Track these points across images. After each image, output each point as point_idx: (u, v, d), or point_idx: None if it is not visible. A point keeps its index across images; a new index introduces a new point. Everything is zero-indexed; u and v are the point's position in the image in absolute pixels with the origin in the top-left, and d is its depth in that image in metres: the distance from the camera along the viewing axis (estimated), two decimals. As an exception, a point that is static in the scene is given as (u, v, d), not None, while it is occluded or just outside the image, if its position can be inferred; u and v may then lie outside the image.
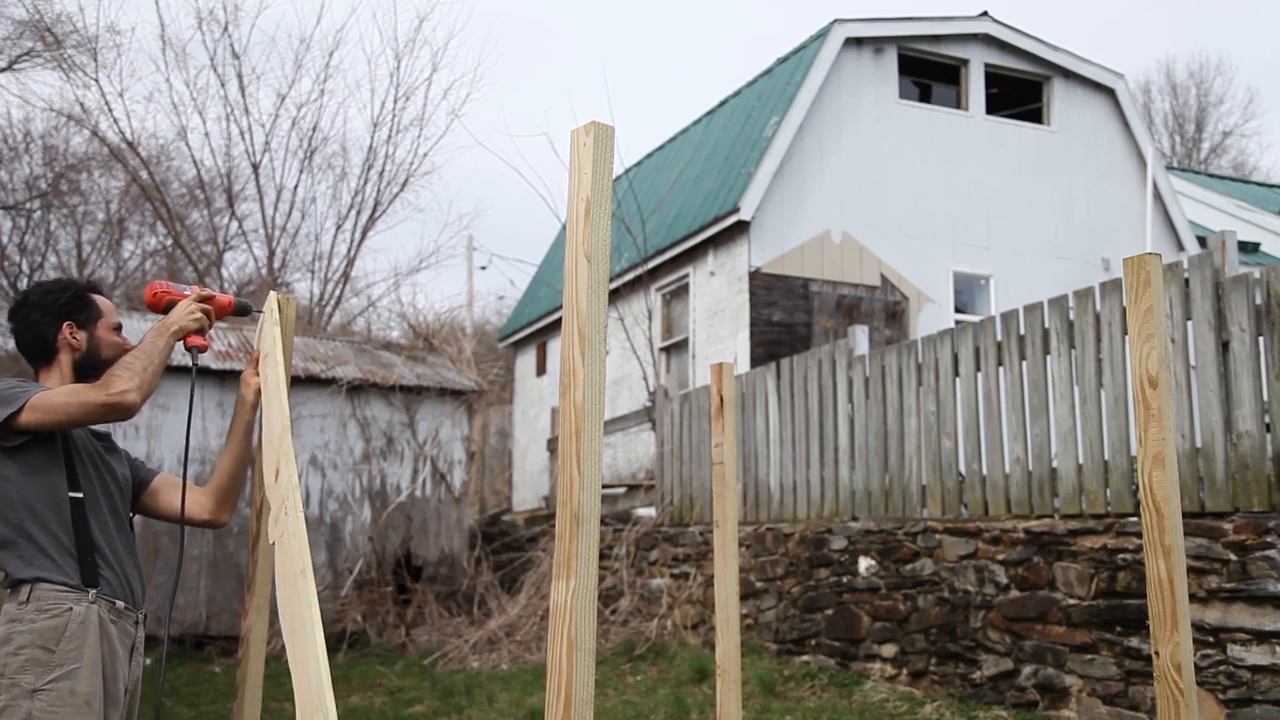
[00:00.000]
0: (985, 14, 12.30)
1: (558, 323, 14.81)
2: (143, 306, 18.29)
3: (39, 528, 2.46)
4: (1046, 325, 5.74)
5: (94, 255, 21.17)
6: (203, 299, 2.78)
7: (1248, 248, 14.43)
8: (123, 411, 2.48)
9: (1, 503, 2.46)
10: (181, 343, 2.69)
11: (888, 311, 11.50)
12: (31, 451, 2.48)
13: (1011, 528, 5.61)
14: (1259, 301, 4.72)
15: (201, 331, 2.71)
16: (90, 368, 2.68)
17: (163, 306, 2.78)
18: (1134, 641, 4.86)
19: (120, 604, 2.54)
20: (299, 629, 2.04)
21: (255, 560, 2.72)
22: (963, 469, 6.24)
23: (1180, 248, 12.96)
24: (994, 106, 12.67)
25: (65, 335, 2.66)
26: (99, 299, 2.77)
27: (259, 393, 2.74)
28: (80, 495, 2.53)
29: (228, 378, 10.04)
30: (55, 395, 2.47)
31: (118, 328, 2.76)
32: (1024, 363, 5.90)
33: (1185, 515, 4.77)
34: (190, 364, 2.73)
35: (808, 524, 7.26)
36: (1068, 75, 12.77)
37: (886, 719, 5.68)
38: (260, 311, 2.80)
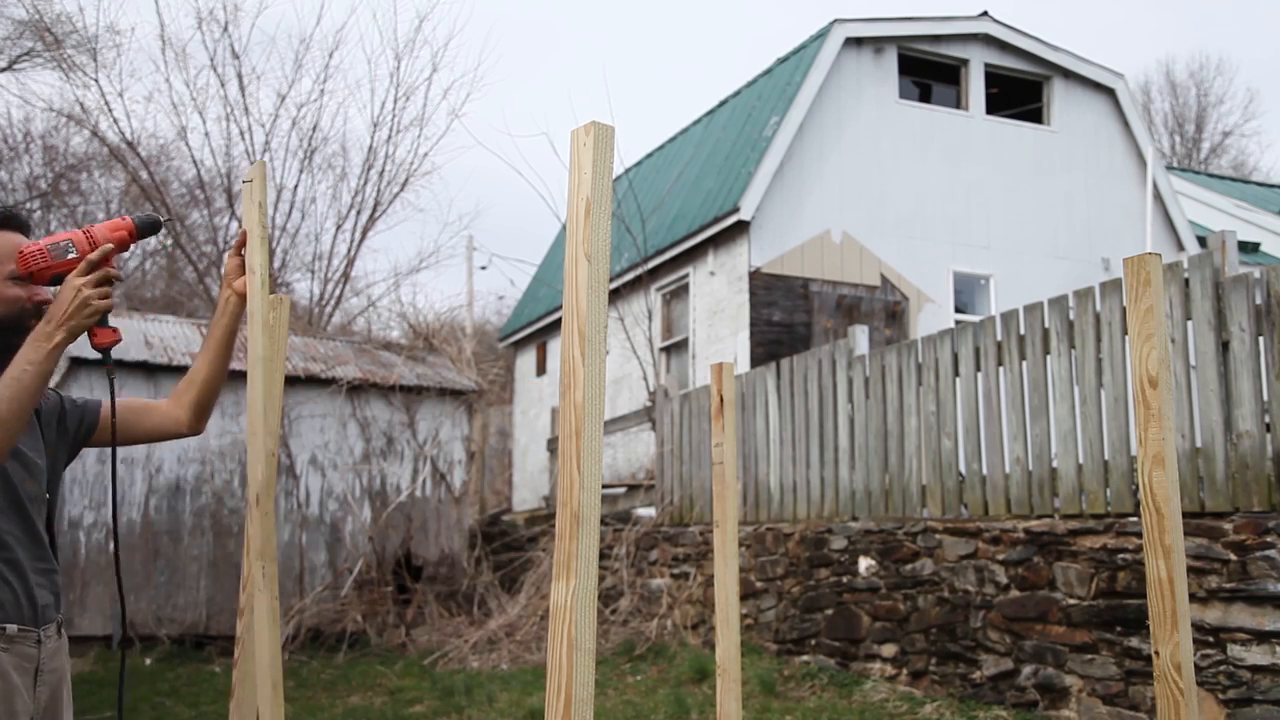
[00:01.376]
0: (985, 14, 12.30)
1: (558, 323, 14.81)
2: (143, 307, 18.25)
3: None
4: (1046, 325, 5.74)
5: (94, 255, 21.14)
6: (94, 263, 2.04)
7: (1248, 248, 14.43)
8: None
9: None
10: (87, 338, 2.10)
11: (888, 311, 11.50)
12: None
13: (1011, 528, 5.61)
14: (1259, 301, 4.72)
15: (105, 317, 2.07)
16: None
17: (48, 281, 2.08)
18: (1134, 641, 4.86)
19: (12, 628, 2.04)
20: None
21: (250, 559, 2.65)
22: (963, 469, 6.24)
23: (1180, 248, 12.96)
24: (994, 106, 12.67)
25: None
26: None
27: (243, 300, 2.29)
28: None
29: (228, 378, 10.02)
30: None
31: (25, 277, 2.12)
32: (1024, 363, 5.90)
33: (1185, 515, 4.77)
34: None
35: (808, 524, 7.26)
36: (1068, 75, 12.77)
37: (886, 719, 5.68)
38: (169, 219, 2.31)
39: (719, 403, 2.69)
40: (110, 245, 2.08)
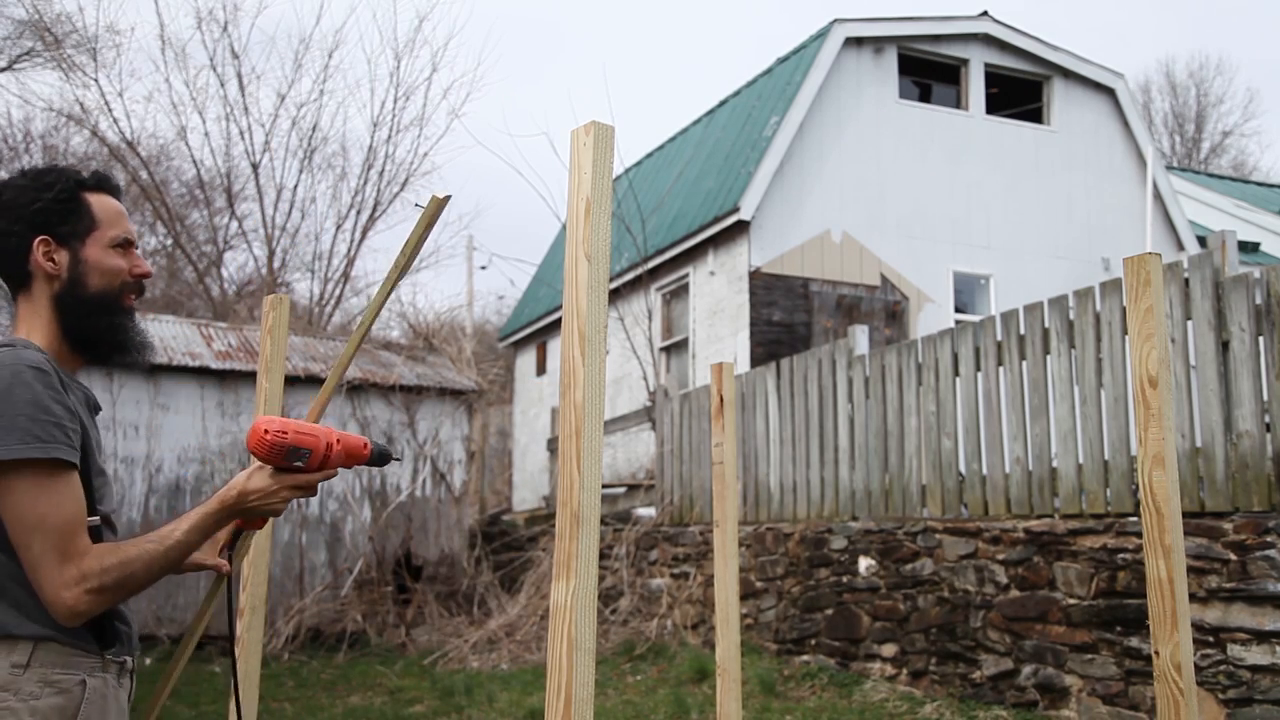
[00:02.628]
0: (985, 14, 12.29)
1: (558, 323, 14.81)
2: (143, 307, 18.25)
3: None
4: (1046, 325, 5.74)
5: (94, 255, 21.11)
6: (327, 457, 1.82)
7: (1248, 248, 14.42)
8: (55, 610, 1.67)
9: None
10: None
11: (888, 311, 11.49)
12: None
13: (1011, 527, 5.61)
14: (1259, 301, 4.72)
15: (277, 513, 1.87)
16: (75, 305, 1.85)
17: (283, 460, 1.79)
18: (1134, 641, 4.86)
19: (127, 660, 1.86)
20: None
21: (249, 560, 2.63)
22: (963, 469, 6.24)
23: (1180, 248, 12.96)
24: (994, 106, 12.67)
25: (37, 257, 1.83)
26: (97, 201, 1.89)
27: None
28: (97, 519, 1.79)
29: (228, 377, 10.03)
30: (29, 503, 1.65)
31: (123, 244, 1.90)
32: (1024, 362, 5.90)
33: (1185, 515, 4.77)
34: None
35: (808, 524, 7.26)
36: (1068, 75, 12.77)
37: (886, 719, 5.68)
38: (398, 459, 2.18)
39: (719, 403, 2.69)
40: (334, 474, 1.91)
